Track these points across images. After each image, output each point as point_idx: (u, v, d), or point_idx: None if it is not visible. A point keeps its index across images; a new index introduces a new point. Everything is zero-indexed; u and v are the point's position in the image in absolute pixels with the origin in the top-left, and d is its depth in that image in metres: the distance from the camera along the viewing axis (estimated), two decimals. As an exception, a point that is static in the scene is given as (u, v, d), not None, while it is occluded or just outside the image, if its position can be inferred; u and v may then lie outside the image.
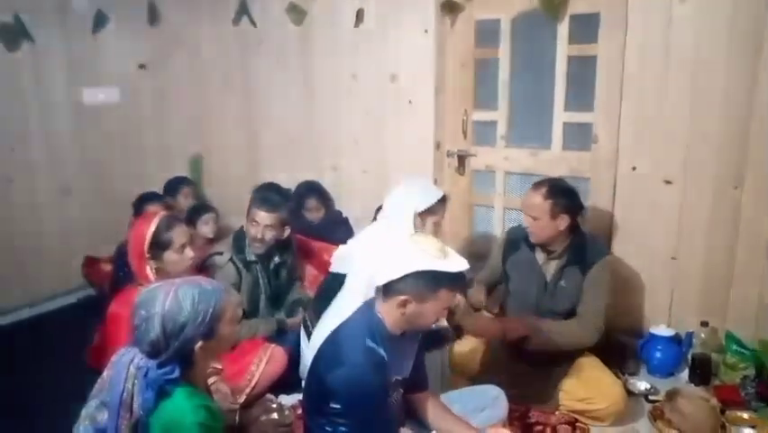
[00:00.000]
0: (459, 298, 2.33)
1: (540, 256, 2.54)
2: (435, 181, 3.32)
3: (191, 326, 1.49)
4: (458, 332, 2.44)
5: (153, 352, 1.49)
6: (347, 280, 2.47)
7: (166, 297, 1.50)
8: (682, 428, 2.26)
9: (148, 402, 1.47)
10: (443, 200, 2.52)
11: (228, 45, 3.94)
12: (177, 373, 1.49)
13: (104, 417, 1.55)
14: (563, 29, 2.96)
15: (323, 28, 3.57)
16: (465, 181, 3.41)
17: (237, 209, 4.03)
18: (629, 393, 2.49)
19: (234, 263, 2.67)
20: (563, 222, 2.43)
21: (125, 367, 1.50)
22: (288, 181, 3.78)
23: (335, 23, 3.50)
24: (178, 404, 1.48)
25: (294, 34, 3.68)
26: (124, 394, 1.48)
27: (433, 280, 1.69)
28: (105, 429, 1.55)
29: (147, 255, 2.15)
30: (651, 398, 2.54)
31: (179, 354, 1.50)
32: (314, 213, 3.57)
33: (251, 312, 2.70)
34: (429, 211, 2.47)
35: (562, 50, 2.98)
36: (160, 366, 1.48)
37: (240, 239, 2.74)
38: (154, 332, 1.47)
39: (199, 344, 1.51)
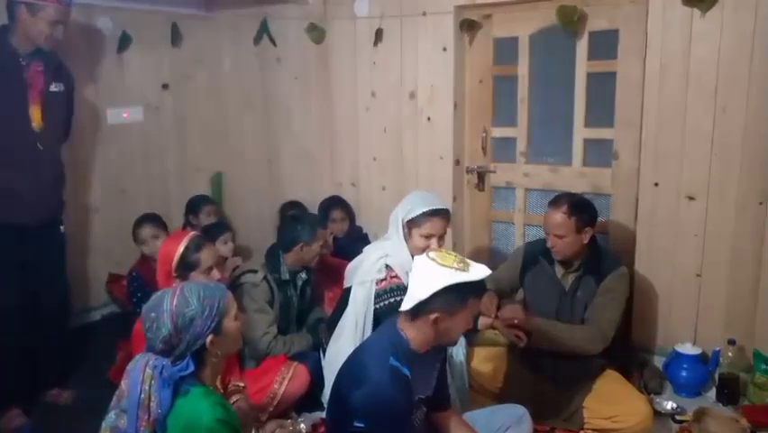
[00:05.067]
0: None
1: (559, 270, 2.55)
2: (455, 199, 3.33)
3: (199, 319, 1.54)
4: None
5: (167, 349, 1.54)
6: (351, 292, 2.49)
7: (173, 296, 1.57)
8: (711, 448, 2.22)
9: (165, 401, 1.52)
10: (430, 214, 2.42)
11: (248, 64, 3.99)
12: (191, 368, 1.54)
13: (124, 423, 1.59)
14: (582, 45, 2.96)
15: (342, 46, 3.61)
16: (485, 198, 3.41)
17: (258, 226, 4.10)
18: (655, 413, 2.45)
19: (268, 282, 2.68)
20: (587, 235, 2.44)
21: (141, 371, 1.55)
22: (308, 198, 3.81)
23: (354, 41, 3.54)
24: (195, 403, 1.52)
25: (313, 53, 3.72)
26: (142, 395, 1.53)
27: (461, 293, 1.70)
28: None
29: (174, 274, 2.18)
30: (678, 418, 2.50)
31: (192, 350, 1.55)
32: (339, 224, 3.58)
33: (282, 330, 2.72)
34: (414, 222, 2.44)
35: (582, 66, 2.98)
36: (174, 363, 1.53)
37: (274, 257, 2.75)
38: (165, 328, 1.53)
39: (209, 338, 1.56)
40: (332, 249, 3.32)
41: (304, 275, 2.81)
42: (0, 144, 2.55)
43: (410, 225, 2.46)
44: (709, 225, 2.69)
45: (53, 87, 2.68)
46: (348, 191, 3.77)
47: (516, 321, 2.42)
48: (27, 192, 2.61)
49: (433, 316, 1.71)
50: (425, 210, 2.42)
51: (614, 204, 2.96)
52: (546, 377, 2.52)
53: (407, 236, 2.47)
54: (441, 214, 2.46)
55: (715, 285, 2.71)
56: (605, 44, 2.90)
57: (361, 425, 1.74)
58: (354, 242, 3.40)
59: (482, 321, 2.47)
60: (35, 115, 2.61)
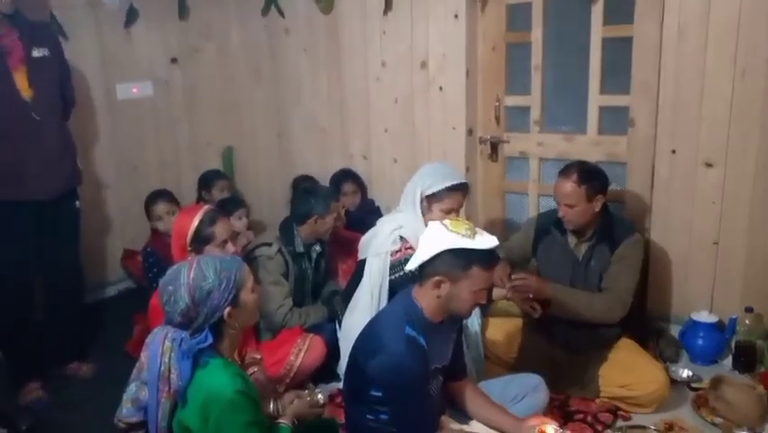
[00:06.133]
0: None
1: (571, 240, 2.53)
2: (468, 169, 3.30)
3: (217, 292, 1.55)
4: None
5: (185, 322, 1.56)
6: (366, 265, 2.49)
7: (189, 269, 1.57)
8: (728, 415, 2.22)
9: (185, 372, 1.54)
10: (452, 189, 2.43)
11: (257, 36, 3.95)
12: (210, 341, 1.56)
13: (145, 394, 1.62)
14: (598, 10, 2.89)
15: (351, 16, 3.55)
16: (498, 168, 3.37)
17: (269, 200, 4.10)
18: (671, 381, 2.44)
19: (283, 254, 2.69)
20: (599, 203, 2.42)
21: (160, 343, 1.57)
22: (319, 172, 3.80)
23: (364, 10, 3.48)
24: (215, 374, 1.54)
25: (322, 23, 3.67)
26: (162, 368, 1.56)
27: (464, 258, 1.71)
28: (146, 407, 1.61)
29: (189, 248, 2.18)
30: (694, 385, 2.50)
31: (210, 322, 1.56)
32: (350, 197, 3.57)
33: (297, 302, 2.74)
34: (435, 197, 2.44)
35: (597, 31, 2.91)
36: (192, 335, 1.55)
37: (288, 230, 2.76)
38: (183, 301, 1.54)
39: (227, 310, 1.57)
40: (344, 222, 3.31)
41: (318, 248, 2.82)
42: None
43: (430, 199, 2.45)
44: (727, 193, 2.64)
45: (36, 53, 2.59)
46: (359, 164, 3.75)
47: (530, 295, 2.42)
48: (34, 166, 2.58)
49: (435, 278, 1.73)
50: (447, 185, 2.42)
51: (630, 172, 2.92)
52: (561, 346, 2.53)
53: (426, 211, 2.46)
54: (462, 188, 2.47)
55: (732, 253, 2.68)
56: (621, 8, 2.83)
57: (379, 394, 1.76)
58: (367, 215, 3.40)
59: (496, 292, 2.46)
60: (22, 84, 2.54)
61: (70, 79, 2.89)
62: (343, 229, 3.25)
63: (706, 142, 2.64)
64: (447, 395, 2.00)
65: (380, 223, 2.63)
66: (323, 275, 2.91)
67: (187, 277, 1.55)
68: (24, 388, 2.66)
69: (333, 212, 2.78)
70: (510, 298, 2.48)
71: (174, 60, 3.89)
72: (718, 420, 2.25)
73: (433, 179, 2.45)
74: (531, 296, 2.43)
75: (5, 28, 2.52)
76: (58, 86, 2.74)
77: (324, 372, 2.61)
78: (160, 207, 3.17)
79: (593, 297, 2.41)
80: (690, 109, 2.65)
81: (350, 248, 3.08)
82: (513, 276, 2.43)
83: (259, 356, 2.23)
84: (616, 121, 2.97)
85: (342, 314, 2.60)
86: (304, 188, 2.97)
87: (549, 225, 2.59)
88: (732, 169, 2.61)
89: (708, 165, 2.66)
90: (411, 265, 1.80)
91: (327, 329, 2.65)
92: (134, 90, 3.73)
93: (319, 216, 2.71)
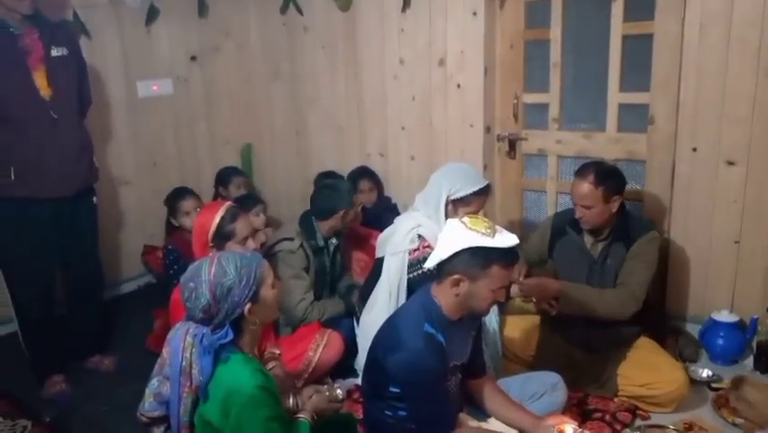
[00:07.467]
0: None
1: (588, 239, 2.52)
2: (485, 167, 3.29)
3: (237, 288, 1.57)
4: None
5: (206, 318, 1.58)
6: (384, 263, 2.50)
7: (210, 266, 1.59)
8: (749, 416, 2.21)
9: (206, 368, 1.56)
10: (480, 192, 2.46)
11: (275, 34, 3.96)
12: (230, 336, 1.57)
13: (167, 389, 1.64)
14: (618, 7, 2.86)
15: (369, 13, 3.55)
16: (516, 166, 3.36)
17: (287, 197, 4.12)
18: (690, 381, 2.42)
19: (304, 249, 2.71)
20: (616, 203, 2.41)
21: (182, 339, 1.60)
22: (337, 169, 3.80)
23: (382, 8, 3.48)
24: (236, 370, 1.56)
25: (340, 21, 3.67)
26: (183, 363, 1.58)
27: (483, 257, 1.70)
28: (168, 402, 1.64)
29: (210, 245, 2.20)
30: (714, 385, 2.48)
31: (230, 318, 1.58)
32: (367, 195, 3.58)
33: (317, 296, 2.77)
34: (462, 201, 2.45)
35: (617, 28, 2.89)
36: (214, 331, 1.57)
37: (308, 225, 2.79)
38: (204, 298, 1.56)
39: (247, 306, 1.59)
40: (361, 219, 3.33)
41: (335, 240, 2.86)
42: (12, 117, 2.53)
43: (456, 203, 2.46)
44: (749, 191, 2.62)
45: (55, 52, 2.61)
46: (376, 161, 3.75)
47: (533, 300, 2.43)
48: (52, 163, 2.61)
49: (454, 277, 1.72)
50: (475, 189, 2.44)
51: (649, 170, 2.90)
52: (579, 345, 2.52)
53: (451, 214, 2.45)
54: (488, 190, 2.51)
55: (754, 252, 2.65)
56: (641, 5, 2.80)
57: (397, 390, 1.77)
58: (383, 212, 3.40)
59: (514, 289, 2.46)
60: (41, 83, 2.56)
61: (87, 78, 2.92)
62: (359, 226, 3.26)
63: (728, 139, 2.62)
64: (465, 392, 2.00)
65: (398, 221, 2.64)
66: (339, 269, 2.94)
67: (208, 273, 1.57)
68: (47, 381, 2.71)
69: (356, 204, 2.85)
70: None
71: (194, 58, 3.93)
72: (739, 421, 2.23)
73: (460, 183, 2.45)
74: (534, 299, 2.43)
75: (26, 28, 2.56)
76: (75, 84, 2.77)
77: (342, 367, 2.63)
78: (188, 204, 3.18)
79: (604, 292, 2.40)
80: (712, 107, 2.62)
81: (363, 243, 3.11)
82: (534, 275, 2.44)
83: (278, 352, 2.24)
84: (635, 118, 2.94)
85: (360, 310, 2.61)
86: (325, 185, 3.00)
87: (565, 224, 2.58)
88: (754, 167, 2.58)
89: (730, 163, 2.63)
90: (430, 263, 1.80)
91: (345, 325, 2.67)
92: (155, 88, 3.77)
93: (346, 210, 2.76)
